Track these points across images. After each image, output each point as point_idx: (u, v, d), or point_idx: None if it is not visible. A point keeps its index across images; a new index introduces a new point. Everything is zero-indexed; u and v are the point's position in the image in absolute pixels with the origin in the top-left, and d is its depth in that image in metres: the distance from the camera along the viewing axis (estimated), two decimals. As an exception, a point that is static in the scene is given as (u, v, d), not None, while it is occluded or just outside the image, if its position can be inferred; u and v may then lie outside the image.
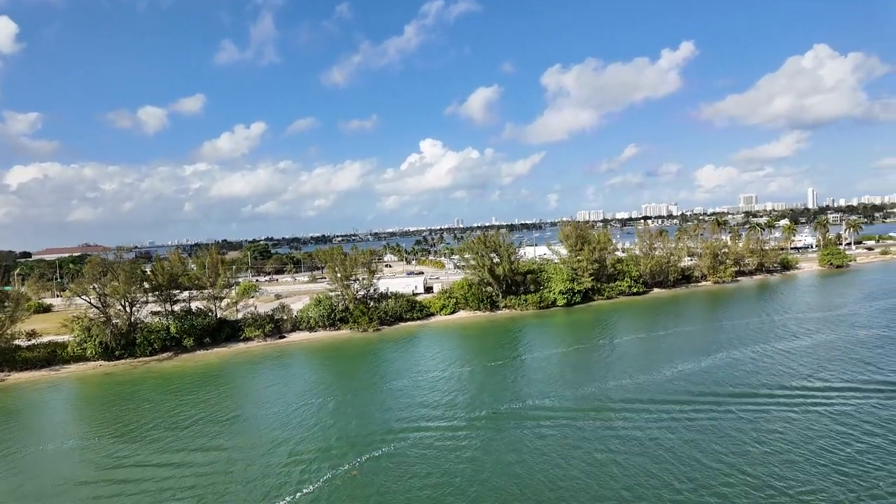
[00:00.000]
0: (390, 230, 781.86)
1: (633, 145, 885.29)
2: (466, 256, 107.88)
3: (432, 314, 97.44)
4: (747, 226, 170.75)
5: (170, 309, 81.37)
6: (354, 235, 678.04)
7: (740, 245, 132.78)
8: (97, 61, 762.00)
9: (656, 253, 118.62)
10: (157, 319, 79.71)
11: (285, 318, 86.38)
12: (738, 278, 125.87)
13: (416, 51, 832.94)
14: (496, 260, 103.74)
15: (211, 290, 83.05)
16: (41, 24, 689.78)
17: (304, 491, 34.18)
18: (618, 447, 38.09)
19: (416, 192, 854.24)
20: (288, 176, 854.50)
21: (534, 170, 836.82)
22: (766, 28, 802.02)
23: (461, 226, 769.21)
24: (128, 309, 76.97)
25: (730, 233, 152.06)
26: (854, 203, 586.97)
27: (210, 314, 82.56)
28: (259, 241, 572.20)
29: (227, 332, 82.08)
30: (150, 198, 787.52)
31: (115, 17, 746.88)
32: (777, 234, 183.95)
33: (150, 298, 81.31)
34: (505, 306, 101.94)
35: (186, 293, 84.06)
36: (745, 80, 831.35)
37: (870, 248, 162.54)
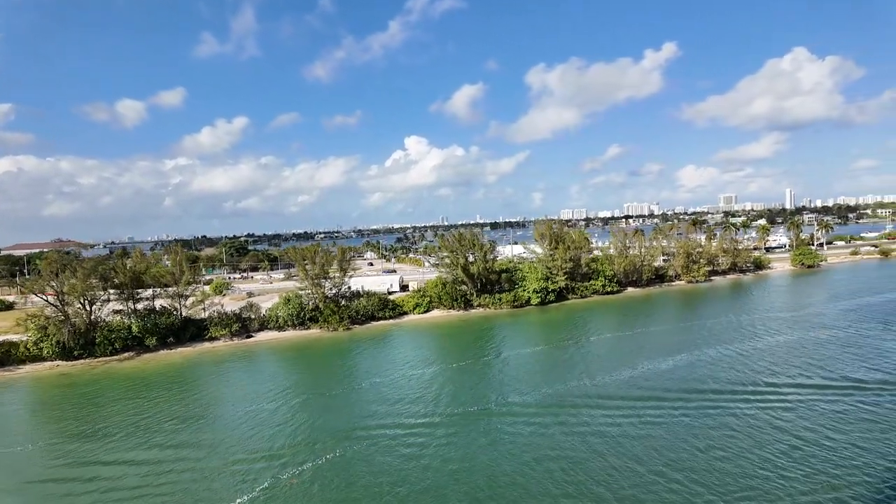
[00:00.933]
0: (375, 227, 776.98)
1: (617, 145, 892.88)
2: (442, 255, 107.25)
3: (405, 313, 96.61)
4: (722, 226, 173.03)
5: (133, 307, 79.30)
6: (337, 232, 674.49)
7: (714, 245, 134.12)
8: (73, 52, 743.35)
9: (630, 252, 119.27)
10: (118, 318, 77.52)
11: (253, 317, 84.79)
12: (712, 278, 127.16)
13: (401, 47, 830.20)
14: (471, 259, 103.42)
15: (175, 288, 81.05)
16: (16, 14, 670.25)
17: (238, 501, 33.28)
18: (567, 444, 38.76)
19: (400, 190, 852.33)
20: (270, 171, 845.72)
21: (518, 168, 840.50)
22: (747, 30, 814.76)
23: (446, 223, 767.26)
24: (87, 307, 74.76)
25: (705, 233, 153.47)
26: (830, 204, 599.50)
27: (175, 313, 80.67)
28: (239, 237, 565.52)
29: (191, 331, 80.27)
30: (130, 193, 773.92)
31: (92, 6, 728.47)
32: (753, 233, 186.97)
33: (113, 296, 79.10)
34: (479, 305, 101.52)
35: (150, 291, 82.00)
36: (726, 81, 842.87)
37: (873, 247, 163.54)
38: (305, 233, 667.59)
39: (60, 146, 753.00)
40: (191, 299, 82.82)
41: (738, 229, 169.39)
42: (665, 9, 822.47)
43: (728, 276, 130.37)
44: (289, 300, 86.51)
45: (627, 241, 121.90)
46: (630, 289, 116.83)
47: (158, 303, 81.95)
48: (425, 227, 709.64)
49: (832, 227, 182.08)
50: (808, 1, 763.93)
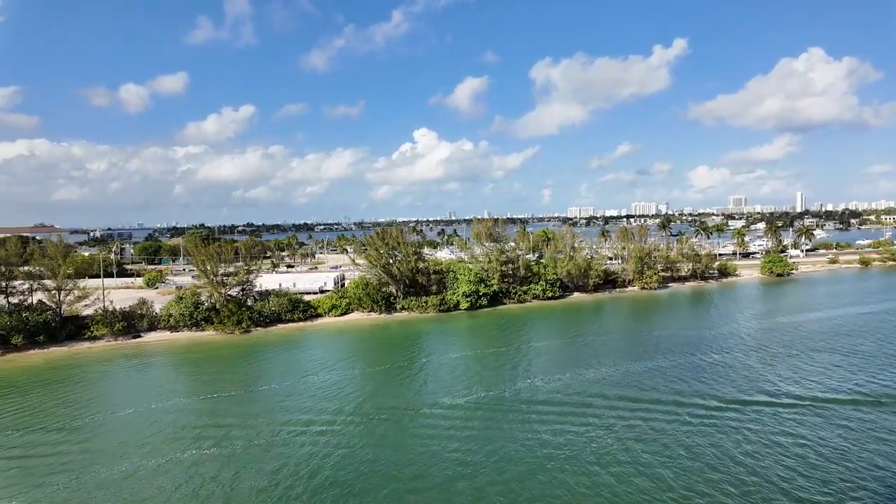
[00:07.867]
0: (382, 220, 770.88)
1: (626, 143, 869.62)
2: (367, 253, 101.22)
3: (319, 315, 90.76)
4: (694, 229, 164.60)
5: (7, 302, 74.38)
6: (338, 224, 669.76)
7: (674, 249, 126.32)
8: (65, 33, 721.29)
9: (578, 255, 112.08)
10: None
11: (143, 314, 79.61)
12: (669, 285, 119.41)
13: (404, 37, 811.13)
14: (399, 258, 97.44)
15: (52, 282, 76.00)
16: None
17: None
18: (456, 459, 37.11)
19: (408, 183, 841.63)
20: (278, 161, 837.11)
21: (526, 164, 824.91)
22: (762, 28, 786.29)
23: (453, 218, 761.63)
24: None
25: (676, 236, 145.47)
26: (841, 208, 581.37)
27: (52, 309, 75.69)
28: (237, 226, 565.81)
29: (69, 329, 75.19)
30: (138, 179, 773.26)
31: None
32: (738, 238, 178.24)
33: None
34: (403, 308, 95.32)
35: (28, 285, 77.01)
36: (736, 80, 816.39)
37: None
38: (305, 224, 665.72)
39: (65, 130, 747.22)
40: (71, 294, 77.55)
41: (712, 233, 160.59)
42: (677, 4, 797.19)
43: (688, 284, 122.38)
44: (182, 298, 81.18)
45: (575, 242, 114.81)
46: (576, 294, 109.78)
47: (37, 297, 77.02)
48: (429, 220, 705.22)
49: (813, 235, 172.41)
50: (827, 1, 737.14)
